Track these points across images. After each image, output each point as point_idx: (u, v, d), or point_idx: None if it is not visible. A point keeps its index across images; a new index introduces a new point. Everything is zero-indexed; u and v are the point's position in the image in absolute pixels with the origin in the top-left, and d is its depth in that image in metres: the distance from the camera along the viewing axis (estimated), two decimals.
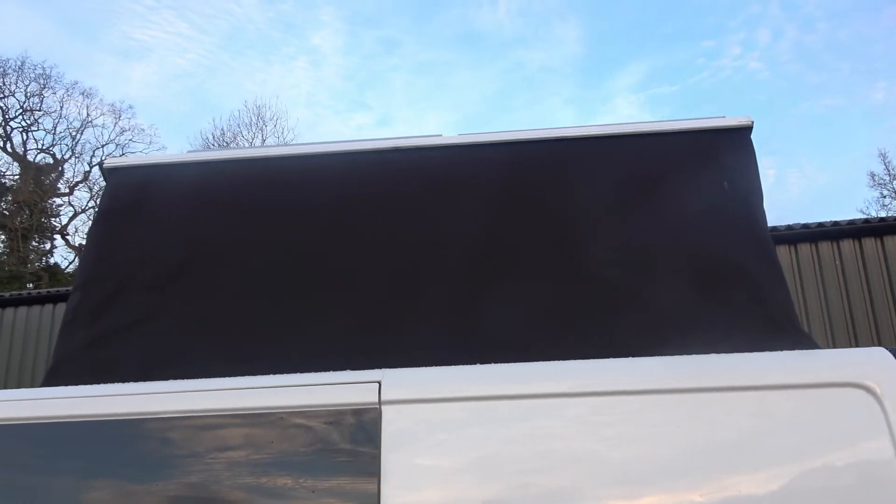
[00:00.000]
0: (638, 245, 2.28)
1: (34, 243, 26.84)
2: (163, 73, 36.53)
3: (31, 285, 23.80)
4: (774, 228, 7.94)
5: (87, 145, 28.68)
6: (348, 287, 2.35)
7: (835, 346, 7.55)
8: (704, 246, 2.27)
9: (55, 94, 27.33)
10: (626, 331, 2.15)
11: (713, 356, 1.90)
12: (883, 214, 25.11)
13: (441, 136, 2.65)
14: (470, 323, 2.26)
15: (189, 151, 3.39)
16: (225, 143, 26.90)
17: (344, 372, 1.98)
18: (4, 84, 26.43)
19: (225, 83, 36.53)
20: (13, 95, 26.79)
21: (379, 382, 1.92)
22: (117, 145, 28.26)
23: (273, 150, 2.68)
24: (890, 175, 28.07)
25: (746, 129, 2.51)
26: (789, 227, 7.93)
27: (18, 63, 26.60)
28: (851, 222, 7.82)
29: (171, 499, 1.82)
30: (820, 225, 7.72)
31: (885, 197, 28.29)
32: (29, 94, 26.94)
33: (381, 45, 38.14)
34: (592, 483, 1.77)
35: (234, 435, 1.90)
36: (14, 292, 12.95)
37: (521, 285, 2.28)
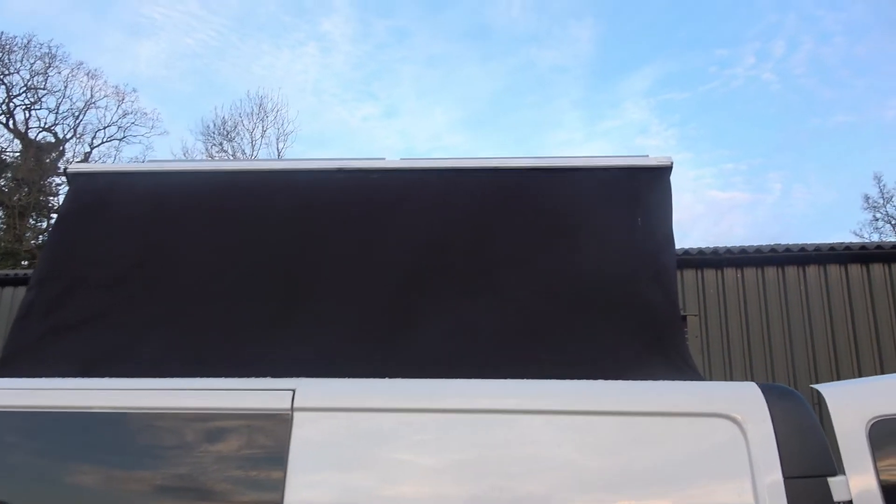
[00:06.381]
0: (549, 274, 2.46)
1: (31, 221, 27.03)
2: (171, 52, 36.58)
3: (25, 262, 24.00)
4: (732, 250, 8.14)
5: (89, 126, 28.91)
6: (288, 298, 2.53)
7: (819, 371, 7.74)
8: (611, 278, 2.45)
9: (60, 73, 27.54)
10: (528, 354, 2.33)
11: (591, 382, 2.08)
12: (875, 238, 25.24)
13: (384, 159, 2.83)
14: (397, 338, 2.44)
15: (149, 161, 3.58)
16: (225, 132, 27.11)
17: (263, 379, 2.17)
18: (10, 61, 26.61)
19: (232, 65, 36.61)
20: (18, 73, 26.97)
21: (293, 390, 2.10)
22: (119, 128, 28.49)
23: (227, 164, 2.87)
24: (884, 198, 28.22)
25: (666, 170, 2.68)
26: (758, 250, 8.13)
27: (24, 41, 26.78)
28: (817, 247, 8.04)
29: (78, 489, 2.01)
30: (787, 249, 7.93)
31: (877, 220, 28.44)
32: (33, 73, 27.12)
33: (392, 34, 38.10)
34: (477, 499, 1.95)
35: (151, 433, 2.08)
36: (9, 271, 13.09)
37: (443, 307, 2.46)
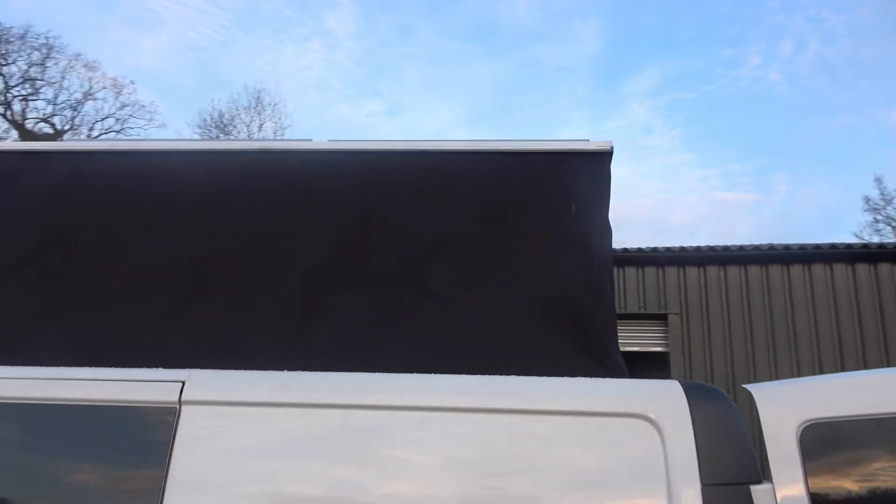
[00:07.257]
0: (473, 264, 2.31)
1: None
2: (174, 45, 36.12)
3: None
4: (742, 247, 7.99)
5: (87, 118, 28.77)
6: (190, 287, 2.38)
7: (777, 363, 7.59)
8: (538, 269, 2.29)
9: (58, 64, 27.39)
10: (448, 345, 2.18)
11: (502, 378, 1.94)
12: (877, 239, 25.03)
13: (311, 140, 2.68)
14: (308, 328, 2.30)
15: (61, 140, 3.42)
16: (222, 126, 26.96)
17: (153, 370, 2.02)
18: (7, 52, 26.48)
19: (236, 60, 36.16)
20: (15, 63, 26.86)
21: (183, 382, 1.96)
22: (117, 119, 28.32)
23: (138, 143, 2.71)
24: (884, 200, 27.92)
25: (606, 155, 2.52)
26: (742, 248, 7.97)
27: (21, 32, 26.64)
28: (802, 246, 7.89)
29: None
30: (771, 248, 7.77)
31: (878, 222, 28.14)
32: (31, 63, 27.01)
33: (397, 31, 37.65)
34: (371, 493, 1.81)
35: (29, 425, 1.94)
36: None
37: (357, 298, 2.31)
